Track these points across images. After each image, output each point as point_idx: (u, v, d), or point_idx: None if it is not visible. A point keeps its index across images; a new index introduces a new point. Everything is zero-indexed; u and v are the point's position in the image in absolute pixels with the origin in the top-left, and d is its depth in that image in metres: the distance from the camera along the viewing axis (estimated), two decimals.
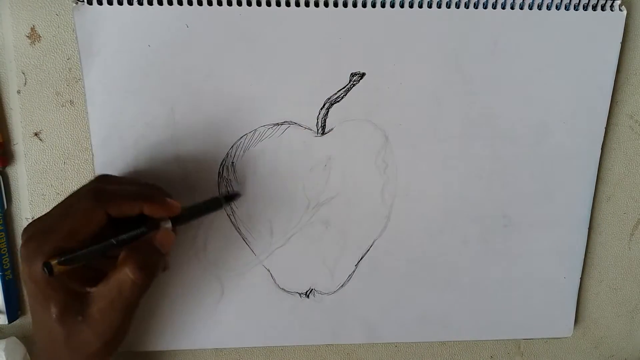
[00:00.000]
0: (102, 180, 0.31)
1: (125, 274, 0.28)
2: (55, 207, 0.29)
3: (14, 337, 0.37)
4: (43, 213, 0.37)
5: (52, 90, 0.35)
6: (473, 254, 0.39)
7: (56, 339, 0.28)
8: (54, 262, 0.26)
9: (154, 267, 0.29)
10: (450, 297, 0.40)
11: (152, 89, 0.35)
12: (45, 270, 0.26)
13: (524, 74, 0.36)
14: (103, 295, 0.28)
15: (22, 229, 0.30)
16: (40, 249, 0.27)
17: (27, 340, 0.38)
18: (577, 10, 0.36)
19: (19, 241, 0.38)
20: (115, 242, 0.28)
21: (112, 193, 0.29)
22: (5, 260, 0.37)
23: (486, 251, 0.39)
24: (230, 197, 0.35)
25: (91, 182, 0.31)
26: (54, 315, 0.28)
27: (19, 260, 0.30)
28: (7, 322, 0.37)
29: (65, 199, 0.30)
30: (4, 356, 0.36)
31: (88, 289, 0.28)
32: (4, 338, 0.37)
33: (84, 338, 0.28)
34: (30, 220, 0.37)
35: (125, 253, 0.29)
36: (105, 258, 0.29)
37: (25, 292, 0.30)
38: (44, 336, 0.29)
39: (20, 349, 0.37)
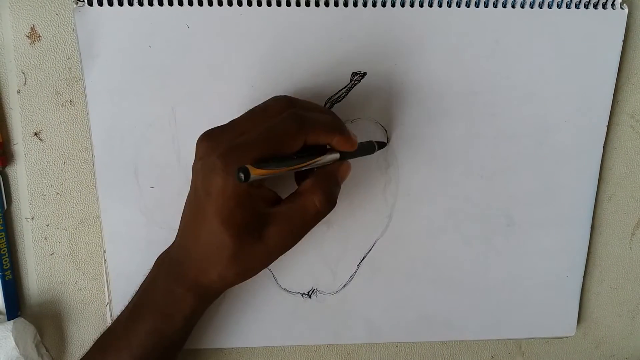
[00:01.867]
0: (293, 104, 0.30)
1: (312, 201, 0.29)
2: (246, 122, 0.29)
3: (22, 318, 0.37)
4: (43, 212, 0.37)
5: (52, 90, 0.35)
6: (475, 254, 0.39)
7: (221, 250, 0.28)
8: (251, 167, 0.25)
9: (335, 197, 0.30)
10: (452, 297, 0.40)
11: (152, 89, 0.34)
12: (242, 175, 0.25)
13: (525, 73, 0.36)
14: (284, 217, 0.29)
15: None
16: (242, 162, 0.26)
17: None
18: (578, 8, 0.36)
19: (19, 241, 0.37)
20: (314, 163, 0.29)
21: (314, 121, 0.29)
22: (5, 260, 0.37)
23: (488, 251, 0.39)
24: (381, 145, 0.35)
25: (284, 104, 0.30)
26: (233, 231, 0.27)
27: (201, 171, 0.28)
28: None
29: (258, 116, 0.29)
30: (12, 337, 0.35)
31: (272, 209, 0.29)
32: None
33: (253, 254, 0.29)
34: (29, 221, 0.37)
35: (314, 181, 0.29)
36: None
37: (192, 204, 0.29)
38: (203, 244, 0.29)
39: (30, 329, 0.37)
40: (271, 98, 0.30)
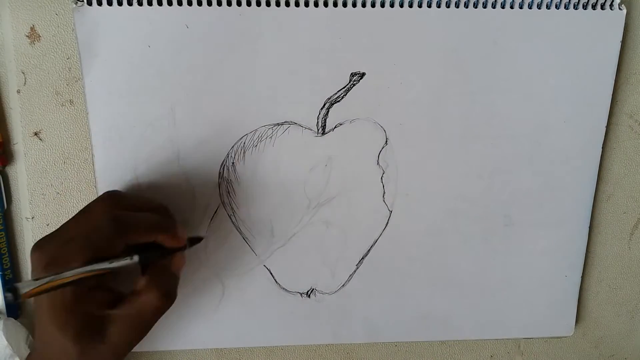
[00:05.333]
0: (116, 204, 0.31)
1: (149, 299, 0.29)
2: (71, 227, 0.29)
3: (12, 319, 0.37)
4: (42, 213, 0.37)
5: (52, 90, 0.35)
6: (473, 254, 0.39)
7: (65, 355, 0.28)
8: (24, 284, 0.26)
9: (173, 291, 0.31)
10: (451, 297, 0.40)
11: (152, 89, 0.35)
12: (9, 295, 0.25)
13: (524, 73, 0.36)
14: (124, 318, 0.29)
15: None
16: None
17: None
18: (576, 9, 0.36)
19: (19, 241, 0.38)
20: (138, 262, 0.29)
21: (133, 224, 0.29)
22: (5, 260, 0.37)
23: (487, 250, 0.39)
24: (196, 240, 0.35)
25: (105, 205, 0.31)
26: (70, 336, 0.28)
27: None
28: None
29: (81, 221, 0.30)
30: (3, 336, 0.35)
31: (107, 311, 0.29)
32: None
33: (98, 354, 0.29)
34: (29, 220, 0.37)
35: (148, 278, 0.30)
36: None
37: (36, 314, 0.29)
38: (50, 350, 0.29)
39: (21, 331, 0.37)
40: (99, 196, 0.32)
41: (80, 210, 0.31)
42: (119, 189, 0.35)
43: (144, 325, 0.30)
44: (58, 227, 0.30)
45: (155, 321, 0.30)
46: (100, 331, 0.29)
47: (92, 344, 0.28)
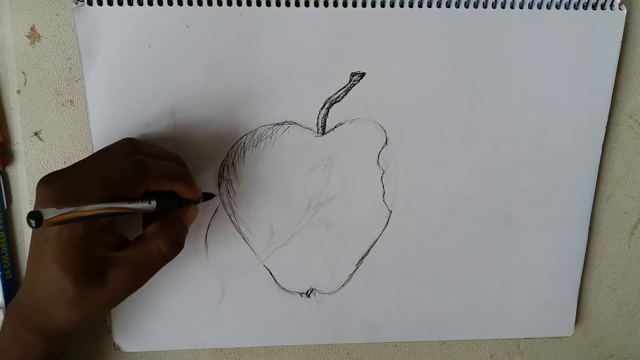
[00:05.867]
0: (136, 150, 0.30)
1: (157, 246, 0.29)
2: (88, 166, 0.29)
3: None
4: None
5: (52, 90, 0.35)
6: (473, 254, 0.39)
7: (63, 294, 0.28)
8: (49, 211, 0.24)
9: (182, 241, 0.30)
10: (451, 297, 0.40)
11: (152, 89, 0.35)
12: (32, 221, 0.24)
13: (524, 73, 0.36)
14: (127, 262, 0.29)
15: (38, 184, 0.27)
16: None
17: None
18: (577, 9, 0.36)
19: (19, 241, 0.38)
20: (152, 207, 0.28)
21: (155, 170, 0.29)
22: (6, 260, 0.37)
23: (486, 251, 0.39)
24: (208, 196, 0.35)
25: (126, 149, 0.30)
26: (72, 276, 0.27)
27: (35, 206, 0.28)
28: None
29: (99, 160, 0.29)
30: None
31: (112, 254, 0.28)
32: None
33: (95, 297, 0.28)
34: None
35: (158, 226, 0.29)
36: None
37: (33, 249, 0.29)
38: (45, 289, 0.28)
39: None
40: (117, 141, 0.31)
41: (98, 151, 0.30)
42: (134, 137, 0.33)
43: (146, 272, 0.30)
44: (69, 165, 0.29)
45: (158, 270, 0.30)
46: (101, 274, 0.28)
47: (91, 286, 0.28)
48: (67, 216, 0.25)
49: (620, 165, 0.40)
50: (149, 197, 0.29)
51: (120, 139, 0.31)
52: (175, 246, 0.30)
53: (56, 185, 0.27)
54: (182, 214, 0.31)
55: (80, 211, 0.25)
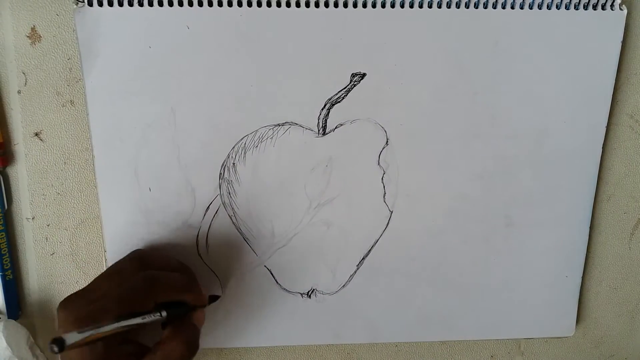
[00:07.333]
0: (145, 264, 0.33)
1: (174, 349, 0.30)
2: (102, 285, 0.31)
3: (13, 321, 0.37)
4: (43, 213, 0.37)
5: (53, 90, 0.35)
6: (474, 254, 0.39)
7: None
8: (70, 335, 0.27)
9: (197, 342, 0.32)
10: (451, 297, 0.40)
11: (152, 89, 0.35)
12: (55, 348, 0.26)
13: (525, 73, 0.36)
14: None
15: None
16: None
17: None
18: (577, 9, 0.36)
19: (19, 241, 0.38)
20: (164, 318, 0.30)
21: (164, 284, 0.31)
22: (6, 260, 0.37)
23: (487, 251, 0.39)
24: (213, 299, 0.38)
25: (136, 265, 0.32)
26: None
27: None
28: None
29: (113, 278, 0.31)
30: (3, 337, 0.35)
31: None
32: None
33: None
34: (30, 221, 0.37)
35: (173, 330, 0.31)
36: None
37: None
38: None
39: (22, 332, 0.37)
40: (126, 257, 0.34)
41: (110, 269, 0.33)
42: (142, 248, 0.36)
43: None
44: (85, 285, 0.31)
45: None
46: None
47: None
48: (88, 339, 0.27)
49: (620, 165, 0.40)
50: (159, 308, 0.31)
51: (129, 252, 0.34)
52: (191, 347, 0.31)
53: (75, 308, 0.29)
54: (190, 317, 0.33)
55: (99, 333, 0.27)
